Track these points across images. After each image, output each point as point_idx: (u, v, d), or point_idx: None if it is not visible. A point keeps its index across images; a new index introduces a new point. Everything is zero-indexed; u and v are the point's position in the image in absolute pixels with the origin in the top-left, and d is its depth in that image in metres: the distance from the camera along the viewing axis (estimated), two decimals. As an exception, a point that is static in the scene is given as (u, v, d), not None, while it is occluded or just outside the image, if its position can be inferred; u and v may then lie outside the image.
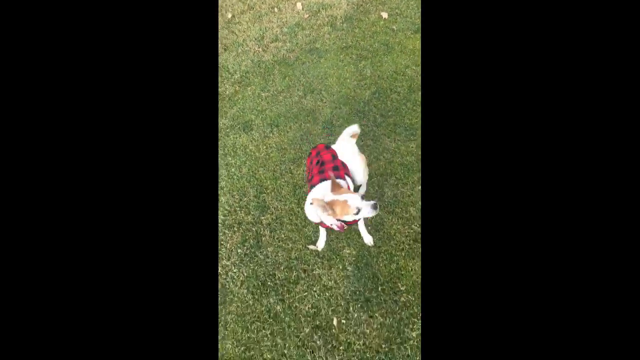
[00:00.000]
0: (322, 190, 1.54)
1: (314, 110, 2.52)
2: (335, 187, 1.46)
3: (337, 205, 1.42)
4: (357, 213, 1.41)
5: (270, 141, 2.40)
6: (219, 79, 2.92)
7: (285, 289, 1.76)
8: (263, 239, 1.95)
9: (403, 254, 1.77)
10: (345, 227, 1.58)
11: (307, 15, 3.39)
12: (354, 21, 3.22)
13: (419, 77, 2.59)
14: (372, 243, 1.82)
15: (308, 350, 1.56)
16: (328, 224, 1.57)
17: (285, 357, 1.56)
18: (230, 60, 3.06)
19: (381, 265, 1.75)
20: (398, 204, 1.94)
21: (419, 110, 2.38)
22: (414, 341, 1.51)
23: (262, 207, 2.08)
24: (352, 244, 1.84)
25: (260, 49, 3.13)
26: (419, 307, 1.60)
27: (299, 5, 3.52)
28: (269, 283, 1.79)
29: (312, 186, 1.60)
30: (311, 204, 1.50)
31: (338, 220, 1.51)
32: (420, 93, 2.47)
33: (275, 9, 3.54)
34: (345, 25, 3.20)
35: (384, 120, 2.36)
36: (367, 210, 1.41)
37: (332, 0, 3.49)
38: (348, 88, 2.62)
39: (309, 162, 1.77)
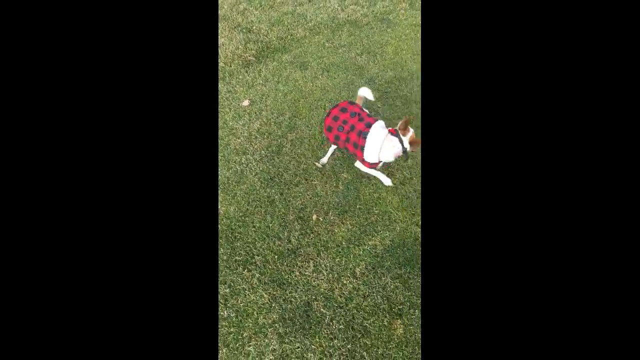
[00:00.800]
0: (378, 133, 1.96)
1: (363, 67, 2.99)
2: (407, 126, 1.93)
3: (417, 142, 1.92)
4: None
5: (318, 82, 2.92)
6: (296, 22, 3.49)
7: (286, 187, 2.29)
8: (283, 149, 2.49)
9: (387, 188, 2.20)
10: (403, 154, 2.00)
11: (392, -10, 3.80)
12: (432, 5, 3.57)
13: (468, 65, 2.92)
14: (390, 183, 2.24)
15: (287, 229, 2.09)
16: (390, 160, 2.03)
17: (269, 229, 2.10)
18: (311, 10, 3.61)
19: (366, 193, 2.21)
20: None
21: (455, 91, 2.73)
22: (367, 247, 1.96)
23: (291, 126, 2.62)
24: (351, 171, 2.31)
25: (339, 8, 3.63)
26: (383, 225, 2.04)
27: (388, -20, 3.94)
28: (275, 180, 2.34)
29: (361, 132, 1.98)
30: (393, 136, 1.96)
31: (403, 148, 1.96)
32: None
33: (366, -22, 4.00)
34: (423, 7, 3.57)
35: (419, 90, 2.75)
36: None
37: (420, -18, 3.86)
38: (401, 57, 3.04)
39: (329, 121, 2.09)
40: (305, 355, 1.65)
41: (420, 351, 1.63)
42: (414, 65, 2.96)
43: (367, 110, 2.14)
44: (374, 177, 2.26)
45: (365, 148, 1.99)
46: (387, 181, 2.23)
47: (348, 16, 3.52)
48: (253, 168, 2.40)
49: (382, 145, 1.96)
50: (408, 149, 1.94)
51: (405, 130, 1.92)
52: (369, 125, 1.98)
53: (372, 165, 2.08)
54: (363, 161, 2.07)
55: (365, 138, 1.97)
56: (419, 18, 3.42)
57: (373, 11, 3.55)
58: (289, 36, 3.37)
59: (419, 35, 3.24)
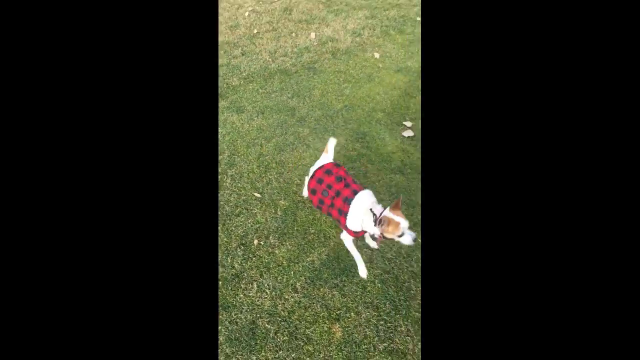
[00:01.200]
0: (367, 200, 1.86)
1: (295, 108, 3.33)
2: (396, 208, 1.74)
3: (392, 223, 1.71)
4: (400, 236, 1.73)
5: (254, 123, 3.19)
6: (231, 73, 3.81)
7: (228, 218, 2.43)
8: (224, 184, 2.66)
9: (319, 212, 2.44)
10: (381, 240, 1.86)
11: (317, 43, 4.34)
12: (351, 55, 4.14)
13: (384, 102, 3.39)
14: (365, 276, 2.09)
15: (230, 256, 2.20)
16: (371, 232, 1.84)
17: (212, 258, 2.20)
18: (244, 62, 3.98)
19: (303, 216, 2.42)
20: (332, 181, 2.65)
21: (374, 124, 3.15)
22: (306, 263, 2.14)
23: (230, 163, 2.81)
24: (288, 198, 2.53)
25: (270, 59, 4.04)
26: (319, 242, 2.24)
27: (312, 35, 4.50)
28: (218, 213, 2.47)
29: (347, 198, 1.88)
30: (376, 219, 1.76)
31: (381, 233, 1.77)
32: (379, 114, 3.26)
33: (293, 34, 4.53)
34: (344, 57, 4.11)
35: (344, 125, 3.13)
36: (408, 239, 1.72)
37: (340, 36, 4.46)
38: (327, 99, 3.45)
39: (313, 183, 2.02)
40: (252, 370, 1.73)
41: (357, 350, 1.78)
42: (339, 104, 3.37)
43: (348, 173, 2.05)
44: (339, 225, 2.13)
45: (348, 214, 1.89)
46: (363, 272, 2.08)
47: (278, 66, 3.93)
48: (195, 204, 2.52)
49: (366, 214, 1.83)
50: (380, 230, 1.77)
51: (395, 210, 1.75)
52: (355, 193, 1.89)
53: (357, 235, 1.97)
54: (347, 229, 1.97)
55: (349, 204, 1.87)
56: (341, 66, 3.93)
57: (300, 61, 4.00)
58: (225, 85, 3.66)
59: (342, 79, 3.72)
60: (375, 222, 1.75)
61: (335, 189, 1.93)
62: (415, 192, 2.54)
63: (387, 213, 1.74)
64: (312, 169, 2.13)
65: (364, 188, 1.93)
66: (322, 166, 2.05)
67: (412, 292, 1.99)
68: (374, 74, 3.80)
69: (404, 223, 1.71)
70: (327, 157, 2.15)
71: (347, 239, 2.07)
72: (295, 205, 2.49)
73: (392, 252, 2.18)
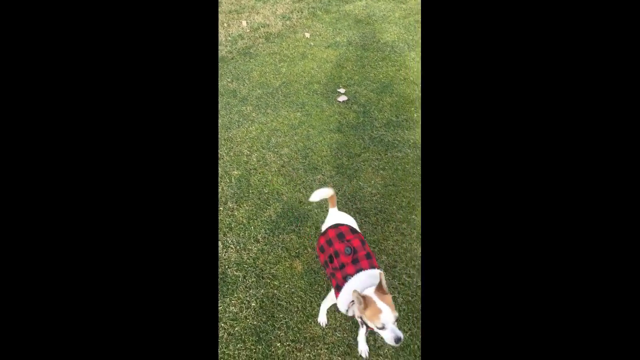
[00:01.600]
0: (361, 281, 1.53)
1: (236, 90, 3.52)
2: (381, 289, 1.41)
3: (371, 307, 1.38)
4: (380, 328, 1.38)
5: (199, 108, 3.34)
6: (169, 66, 3.90)
7: (187, 193, 2.60)
8: (178, 165, 2.81)
9: (272, 171, 2.68)
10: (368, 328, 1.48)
11: (249, 30, 4.51)
12: (283, 37, 4.36)
13: (318, 75, 3.67)
14: (366, 354, 1.80)
15: (193, 225, 2.38)
16: (351, 314, 1.56)
17: (176, 229, 2.37)
18: (181, 55, 4.07)
19: (256, 180, 2.65)
20: (280, 146, 2.88)
21: (311, 94, 3.42)
22: (264, 217, 2.38)
23: (182, 146, 2.96)
24: (240, 167, 2.73)
25: (206, 49, 4.16)
26: (273, 199, 2.48)
27: (244, 23, 4.66)
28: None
29: (347, 276, 1.56)
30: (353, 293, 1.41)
31: (360, 318, 1.47)
32: (315, 85, 3.54)
33: (225, 24, 4.67)
34: (277, 40, 4.33)
35: (285, 99, 3.37)
36: (389, 335, 1.36)
37: (271, 21, 4.67)
38: (265, 78, 3.66)
39: (323, 241, 1.75)
40: (227, 309, 1.95)
41: (316, 276, 2.06)
42: (277, 82, 3.60)
43: (367, 246, 1.69)
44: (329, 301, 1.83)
45: (341, 292, 1.58)
46: (362, 349, 1.79)
47: (215, 54, 4.07)
48: (152, 187, 2.66)
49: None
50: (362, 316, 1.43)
51: (380, 291, 1.42)
52: (359, 272, 1.58)
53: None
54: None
55: (347, 282, 1.57)
56: (275, 48, 4.15)
57: (236, 48, 4.17)
58: (165, 77, 3.75)
59: (277, 60, 3.94)
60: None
61: (341, 260, 1.63)
62: (352, 146, 2.85)
63: (370, 292, 1.41)
64: (324, 226, 1.90)
65: (374, 267, 1.59)
66: (337, 226, 1.76)
67: (357, 224, 2.30)
68: (306, 52, 4.06)
69: (386, 312, 1.35)
70: (334, 211, 1.93)
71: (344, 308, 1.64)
72: (248, 172, 2.71)
73: (343, 200, 2.47)
